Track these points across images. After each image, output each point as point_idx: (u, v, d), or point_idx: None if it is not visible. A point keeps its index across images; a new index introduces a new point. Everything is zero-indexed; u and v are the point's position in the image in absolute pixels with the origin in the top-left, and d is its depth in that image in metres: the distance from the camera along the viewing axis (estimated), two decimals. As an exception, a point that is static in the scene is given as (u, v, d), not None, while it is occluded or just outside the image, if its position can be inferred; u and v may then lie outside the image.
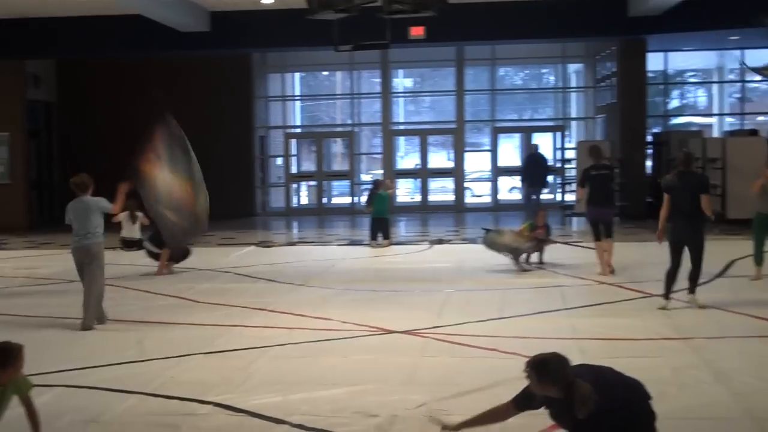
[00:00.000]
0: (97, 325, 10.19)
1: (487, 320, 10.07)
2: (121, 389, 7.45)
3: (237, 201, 24.90)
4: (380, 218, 17.95)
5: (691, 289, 10.69)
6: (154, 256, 14.44)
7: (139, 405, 7.07)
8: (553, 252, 15.10)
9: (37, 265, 15.73)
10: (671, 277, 10.62)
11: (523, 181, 22.23)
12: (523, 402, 5.10)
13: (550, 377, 4.83)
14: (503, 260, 14.24)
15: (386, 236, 17.89)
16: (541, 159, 22.28)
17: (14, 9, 19.91)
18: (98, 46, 21.73)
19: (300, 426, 6.44)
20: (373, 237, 17.86)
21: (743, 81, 27.30)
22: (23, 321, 10.74)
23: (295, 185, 27.15)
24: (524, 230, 14.29)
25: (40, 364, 8.28)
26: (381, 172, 26.32)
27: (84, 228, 10.18)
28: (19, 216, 23.08)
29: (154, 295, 12.26)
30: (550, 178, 26.32)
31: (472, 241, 18.12)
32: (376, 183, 18.64)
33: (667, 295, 10.60)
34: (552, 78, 29.82)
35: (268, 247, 18.00)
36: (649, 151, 23.87)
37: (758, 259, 12.53)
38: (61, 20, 20.66)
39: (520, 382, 6.97)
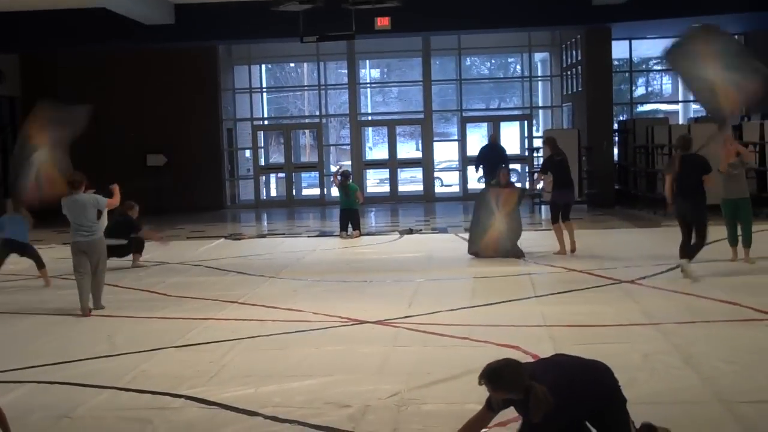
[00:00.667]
0: (82, 316, 10.46)
1: (458, 309, 10.10)
2: (93, 384, 7.42)
3: (206, 193, 24.83)
4: (349, 209, 17.95)
5: (690, 256, 11.51)
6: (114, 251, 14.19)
7: (111, 400, 7.04)
8: (521, 240, 15.17)
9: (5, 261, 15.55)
10: (685, 247, 11.63)
11: (477, 170, 22.28)
12: (494, 403, 5.10)
13: (504, 386, 4.87)
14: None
15: (356, 227, 17.89)
16: (499, 149, 22.31)
17: (-24, 3, 19.73)
18: (62, 40, 21.56)
19: (273, 417, 6.44)
20: (343, 228, 17.85)
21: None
22: (-8, 318, 10.70)
23: (264, 177, 27.08)
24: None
25: (11, 360, 8.27)
26: (349, 163, 26.31)
27: (82, 224, 10.62)
28: (-16, 212, 22.86)
29: (124, 289, 12.20)
30: (517, 167, 26.46)
31: (443, 230, 18.18)
32: (344, 174, 18.60)
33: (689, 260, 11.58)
34: (518, 67, 29.92)
35: (238, 239, 17.95)
36: (616, 139, 24.01)
37: (733, 241, 12.74)
38: (23, 14, 20.44)
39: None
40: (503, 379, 4.85)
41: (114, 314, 10.54)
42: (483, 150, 22.66)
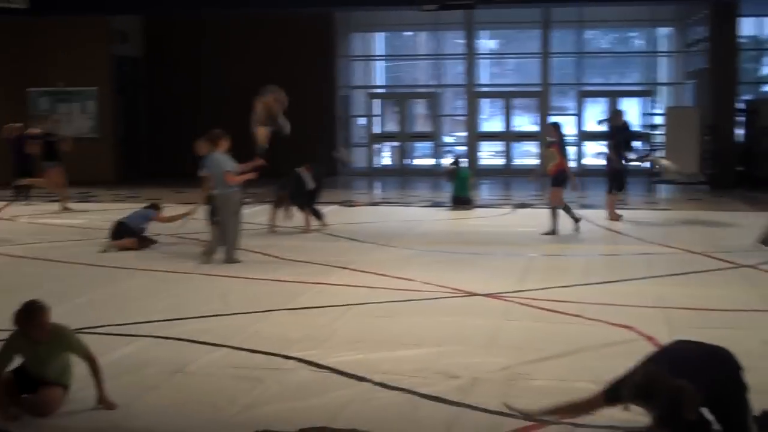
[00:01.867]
0: (227, 264, 11.35)
1: (571, 286, 9.92)
2: (206, 341, 7.55)
3: (319, 160, 24.95)
4: (461, 197, 17.66)
5: None
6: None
7: (224, 358, 7.16)
8: (637, 219, 14.91)
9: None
10: None
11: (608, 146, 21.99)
12: (614, 396, 4.94)
13: (659, 400, 4.68)
14: (586, 226, 14.21)
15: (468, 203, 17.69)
16: (625, 125, 21.90)
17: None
18: (182, 3, 21.84)
19: (382, 384, 6.45)
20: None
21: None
22: (112, 272, 10.99)
23: (377, 145, 27.14)
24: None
25: (128, 315, 8.48)
26: (465, 134, 26.17)
27: (215, 180, 11.56)
28: (107, 170, 23.47)
29: (238, 250, 12.36)
30: (637, 144, 25.91)
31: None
32: (456, 159, 18.46)
33: None
34: (640, 42, 29.22)
35: (351, 206, 18.04)
36: (742, 119, 23.24)
37: None
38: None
39: (603, 349, 6.95)
40: (656, 393, 4.67)
41: (227, 274, 10.72)
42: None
